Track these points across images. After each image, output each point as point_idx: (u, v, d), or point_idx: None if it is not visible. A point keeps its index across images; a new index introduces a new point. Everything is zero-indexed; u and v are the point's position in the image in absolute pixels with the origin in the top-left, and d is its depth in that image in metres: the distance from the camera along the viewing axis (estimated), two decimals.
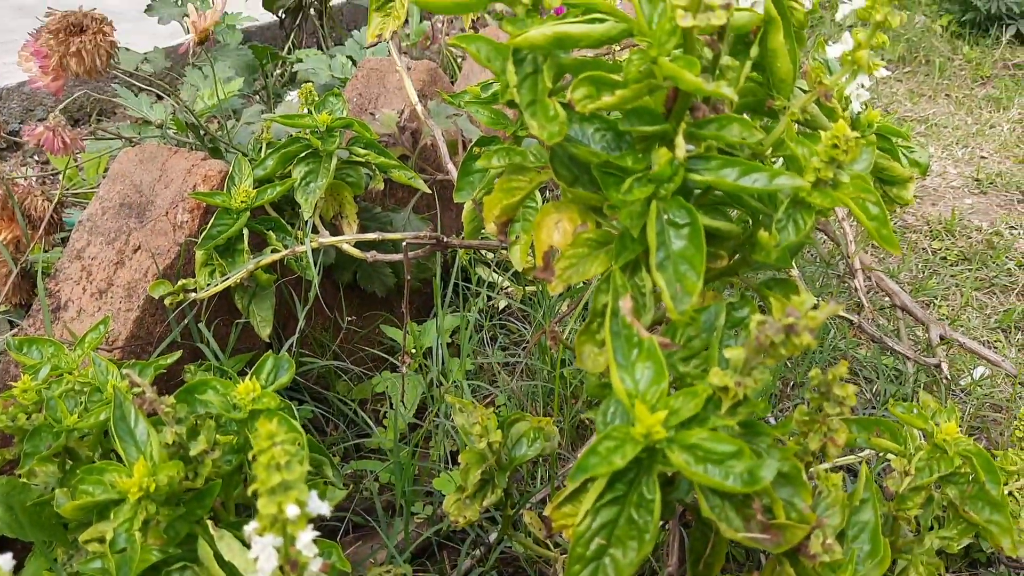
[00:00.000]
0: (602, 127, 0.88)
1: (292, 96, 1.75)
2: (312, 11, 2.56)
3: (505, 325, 1.82)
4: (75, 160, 2.02)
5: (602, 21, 0.83)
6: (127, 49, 2.07)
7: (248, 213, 1.36)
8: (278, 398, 0.99)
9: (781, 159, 0.97)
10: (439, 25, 2.71)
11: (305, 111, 1.49)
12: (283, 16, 2.57)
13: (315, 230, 1.46)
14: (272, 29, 2.75)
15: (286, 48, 2.55)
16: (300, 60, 2.11)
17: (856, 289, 1.80)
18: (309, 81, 2.08)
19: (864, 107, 0.98)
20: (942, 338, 1.76)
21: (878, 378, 1.87)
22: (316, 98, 1.50)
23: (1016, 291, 2.32)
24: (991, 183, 2.93)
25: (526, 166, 1.00)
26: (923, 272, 2.41)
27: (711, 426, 0.78)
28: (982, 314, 2.23)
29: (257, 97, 2.39)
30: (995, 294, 2.32)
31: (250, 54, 2.13)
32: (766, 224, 0.90)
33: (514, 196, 1.01)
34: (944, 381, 1.64)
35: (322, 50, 2.49)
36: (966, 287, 2.32)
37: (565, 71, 0.90)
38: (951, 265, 2.45)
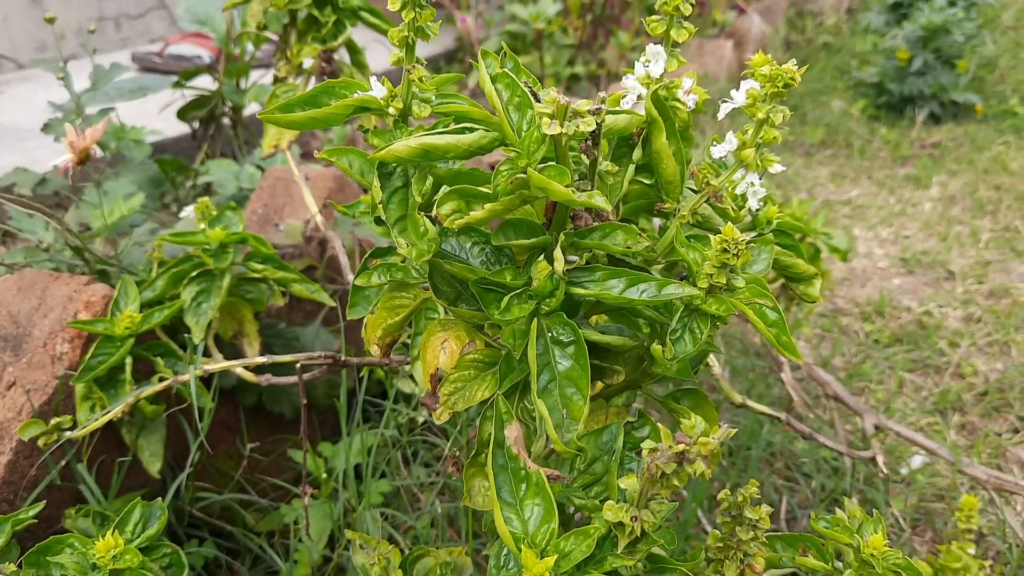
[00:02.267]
0: (481, 240, 0.82)
1: (189, 211, 1.67)
2: (226, 120, 2.51)
3: (427, 439, 1.73)
4: None
5: (471, 130, 0.77)
6: (25, 169, 1.99)
7: (133, 340, 1.27)
8: (141, 555, 0.89)
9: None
10: None
11: (201, 227, 1.42)
12: (196, 126, 2.51)
13: (210, 353, 1.37)
14: (187, 140, 2.69)
15: (199, 159, 2.48)
16: (208, 171, 2.05)
17: (784, 383, 1.75)
18: (217, 193, 2.02)
19: (762, 203, 0.94)
20: (877, 428, 1.70)
21: (817, 472, 1.81)
22: (213, 212, 1.44)
23: (949, 371, 2.29)
24: (917, 262, 2.94)
25: (409, 283, 0.93)
26: (856, 356, 2.38)
27: (608, 568, 0.70)
28: (918, 396, 2.20)
29: (173, 209, 2.31)
30: (929, 375, 2.29)
31: (155, 167, 2.06)
32: (663, 334, 0.84)
33: (398, 315, 0.94)
34: (881, 474, 1.57)
35: (236, 160, 2.43)
36: (899, 369, 2.29)
37: (441, 183, 0.85)
38: (884, 347, 2.42)
